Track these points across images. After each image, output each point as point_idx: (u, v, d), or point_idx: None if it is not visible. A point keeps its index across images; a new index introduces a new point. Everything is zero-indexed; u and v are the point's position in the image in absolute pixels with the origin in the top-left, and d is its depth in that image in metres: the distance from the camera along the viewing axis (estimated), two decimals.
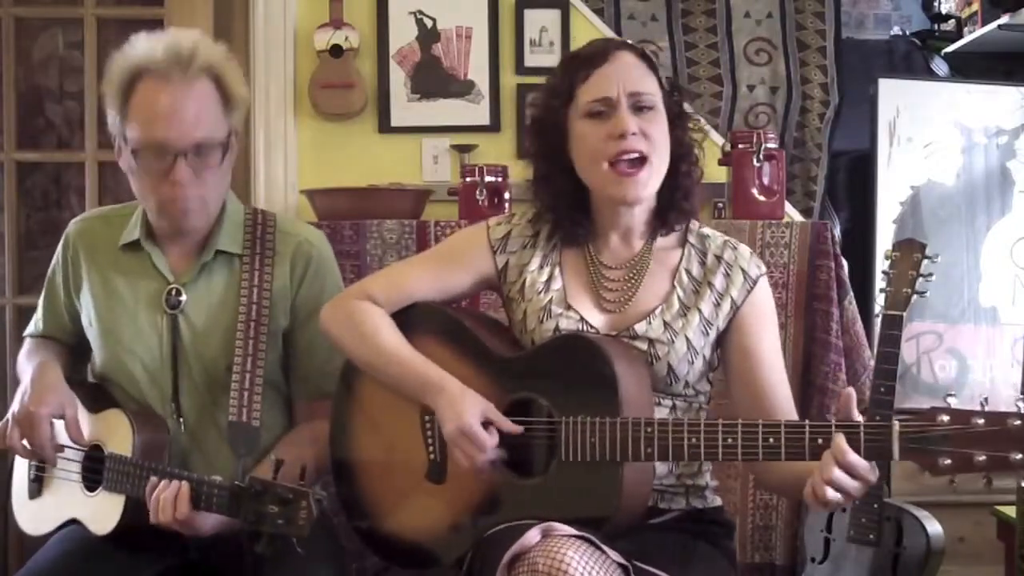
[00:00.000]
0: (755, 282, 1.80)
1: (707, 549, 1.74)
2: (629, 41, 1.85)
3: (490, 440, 1.67)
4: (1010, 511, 2.65)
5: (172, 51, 1.86)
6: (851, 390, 1.56)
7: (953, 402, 1.49)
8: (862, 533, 2.17)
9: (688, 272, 1.81)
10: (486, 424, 1.68)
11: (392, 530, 1.83)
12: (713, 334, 1.78)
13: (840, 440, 1.50)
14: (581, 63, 1.78)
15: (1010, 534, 2.66)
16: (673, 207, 1.81)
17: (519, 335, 1.84)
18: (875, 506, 2.16)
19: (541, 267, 1.84)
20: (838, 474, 1.49)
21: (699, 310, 1.78)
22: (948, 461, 1.44)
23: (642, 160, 1.73)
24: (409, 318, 1.86)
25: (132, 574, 1.87)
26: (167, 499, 1.74)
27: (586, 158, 1.77)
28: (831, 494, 1.50)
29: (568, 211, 1.82)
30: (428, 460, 1.79)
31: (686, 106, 1.84)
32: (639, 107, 1.74)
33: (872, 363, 2.42)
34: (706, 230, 1.87)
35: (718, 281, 1.79)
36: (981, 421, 1.43)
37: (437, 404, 1.73)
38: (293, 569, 1.76)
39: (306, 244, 2.03)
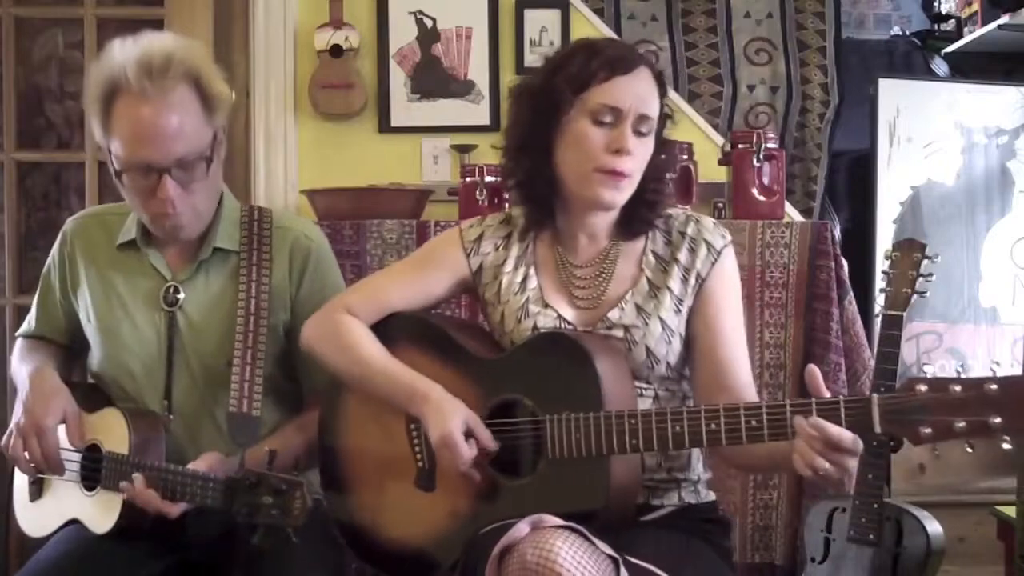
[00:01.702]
0: (719, 253, 1.80)
1: (702, 547, 1.74)
2: (650, 58, 1.83)
3: (469, 452, 1.68)
4: (1010, 511, 2.65)
5: (144, 65, 1.80)
6: (812, 366, 1.55)
7: (929, 371, 1.50)
8: (862, 533, 2.16)
9: (654, 253, 1.82)
10: (468, 434, 1.68)
11: (384, 540, 1.82)
12: (685, 311, 1.79)
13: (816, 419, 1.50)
14: (605, 63, 1.74)
15: (1010, 534, 2.65)
16: (637, 218, 1.82)
17: (499, 337, 1.85)
18: (875, 506, 2.15)
19: (516, 268, 1.85)
20: (822, 449, 1.49)
21: (669, 289, 1.78)
22: (928, 430, 1.45)
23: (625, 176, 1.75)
24: (389, 328, 1.86)
25: (132, 573, 1.87)
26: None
27: (574, 156, 1.75)
28: (820, 463, 1.50)
29: (534, 193, 1.82)
30: (417, 468, 1.78)
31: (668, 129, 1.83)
32: (639, 131, 1.75)
33: (872, 363, 2.42)
34: (669, 210, 1.86)
35: (683, 256, 1.80)
36: (958, 388, 1.44)
37: (422, 412, 1.73)
38: (292, 569, 1.76)
39: (304, 239, 2.03)
